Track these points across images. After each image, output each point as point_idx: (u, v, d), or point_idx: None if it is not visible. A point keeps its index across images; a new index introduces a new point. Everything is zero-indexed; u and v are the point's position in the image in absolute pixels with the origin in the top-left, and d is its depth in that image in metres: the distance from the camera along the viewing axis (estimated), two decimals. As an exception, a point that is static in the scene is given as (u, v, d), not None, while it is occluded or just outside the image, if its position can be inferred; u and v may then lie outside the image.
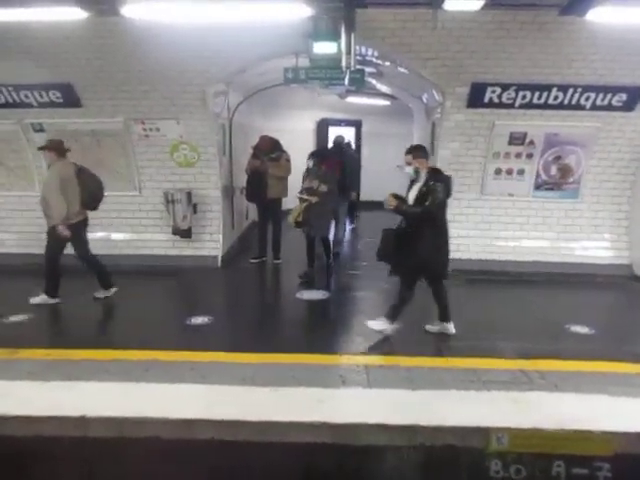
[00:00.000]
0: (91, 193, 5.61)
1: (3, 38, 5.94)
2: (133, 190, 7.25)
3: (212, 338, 4.79)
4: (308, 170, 6.85)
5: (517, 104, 6.48)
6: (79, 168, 5.60)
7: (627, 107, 6.41)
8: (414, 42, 6.15)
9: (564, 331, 4.97)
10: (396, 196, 4.55)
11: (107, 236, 7.27)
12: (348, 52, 5.21)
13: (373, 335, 4.74)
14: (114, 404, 3.44)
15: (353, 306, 5.86)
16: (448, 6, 4.93)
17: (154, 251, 7.25)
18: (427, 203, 4.38)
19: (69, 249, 5.64)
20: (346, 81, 7.05)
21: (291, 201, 7.19)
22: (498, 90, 6.40)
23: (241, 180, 7.95)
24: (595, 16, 4.77)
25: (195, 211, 7.19)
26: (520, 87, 6.36)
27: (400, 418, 3.31)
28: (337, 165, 7.39)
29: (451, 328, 4.77)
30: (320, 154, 7.21)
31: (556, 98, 6.40)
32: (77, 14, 4.77)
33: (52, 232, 5.51)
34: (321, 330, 5.13)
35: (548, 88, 6.35)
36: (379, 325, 4.77)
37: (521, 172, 6.91)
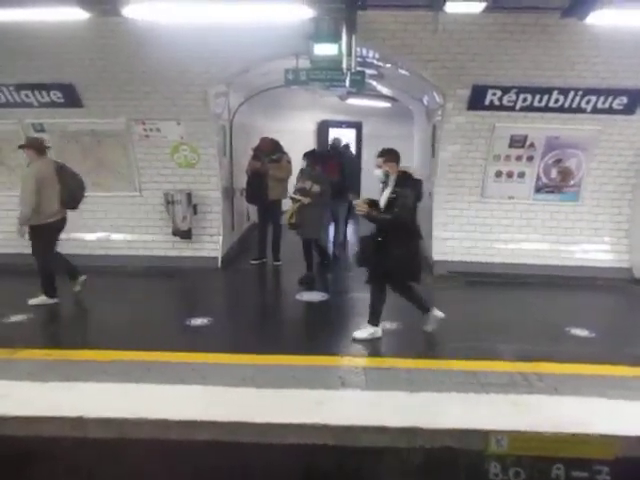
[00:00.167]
0: (71, 192, 5.51)
1: (4, 38, 5.94)
2: (133, 191, 7.25)
3: (212, 339, 4.79)
4: (302, 171, 6.80)
5: (518, 107, 6.49)
6: (60, 166, 5.51)
7: (628, 110, 6.41)
8: (415, 44, 6.17)
9: (564, 334, 4.96)
10: (370, 201, 4.52)
11: (107, 237, 7.28)
12: (349, 54, 5.21)
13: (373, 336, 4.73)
14: (114, 405, 3.43)
15: (353, 308, 5.85)
16: (449, 8, 4.93)
17: (154, 252, 7.24)
18: (396, 209, 4.34)
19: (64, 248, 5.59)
20: (347, 83, 7.08)
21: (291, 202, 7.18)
22: (499, 93, 6.40)
23: (241, 181, 7.95)
24: (595, 19, 4.78)
25: (195, 212, 7.18)
26: (521, 90, 6.37)
27: (399, 420, 3.30)
28: (336, 167, 7.37)
29: (439, 313, 4.76)
30: (314, 155, 7.10)
31: (557, 101, 6.41)
32: (78, 14, 4.77)
33: (33, 233, 5.42)
34: (321, 331, 5.13)
35: (549, 91, 6.35)
36: (364, 333, 4.73)
37: (522, 175, 6.91)
